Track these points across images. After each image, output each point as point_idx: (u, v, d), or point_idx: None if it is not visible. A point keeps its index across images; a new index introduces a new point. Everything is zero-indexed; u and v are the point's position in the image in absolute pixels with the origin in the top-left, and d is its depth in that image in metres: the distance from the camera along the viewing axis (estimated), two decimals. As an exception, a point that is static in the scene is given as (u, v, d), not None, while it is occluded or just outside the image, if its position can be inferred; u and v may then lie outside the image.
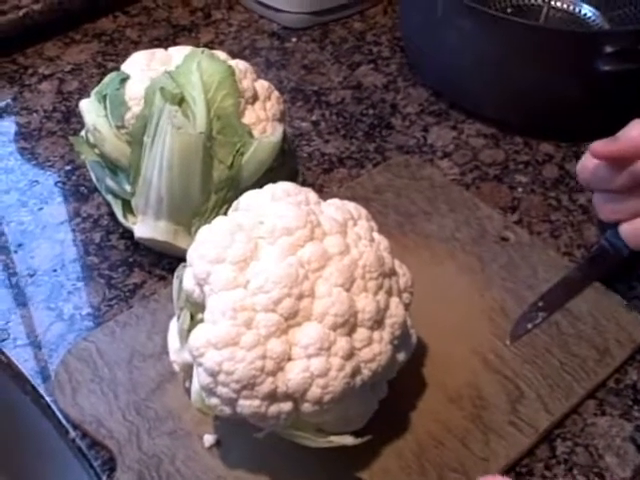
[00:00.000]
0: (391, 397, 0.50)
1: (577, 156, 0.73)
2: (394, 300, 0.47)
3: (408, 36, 0.86)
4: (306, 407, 0.44)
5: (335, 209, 0.49)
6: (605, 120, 0.74)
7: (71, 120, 0.78)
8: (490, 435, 0.51)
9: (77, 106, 0.64)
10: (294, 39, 0.90)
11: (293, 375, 0.43)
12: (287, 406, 0.44)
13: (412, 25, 0.83)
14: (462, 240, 0.64)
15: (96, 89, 0.62)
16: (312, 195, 0.50)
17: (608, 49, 0.66)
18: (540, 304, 0.59)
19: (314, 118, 0.79)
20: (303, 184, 0.55)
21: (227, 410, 0.45)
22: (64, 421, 0.53)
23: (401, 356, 0.49)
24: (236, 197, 0.51)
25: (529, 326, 0.58)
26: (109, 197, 0.64)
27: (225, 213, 0.50)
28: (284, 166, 0.62)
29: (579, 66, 0.68)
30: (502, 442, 0.51)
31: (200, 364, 0.44)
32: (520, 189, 0.70)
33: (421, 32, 0.81)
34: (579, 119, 0.74)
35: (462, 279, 0.61)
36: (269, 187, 0.49)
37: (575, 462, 0.51)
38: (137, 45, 0.89)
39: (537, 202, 0.69)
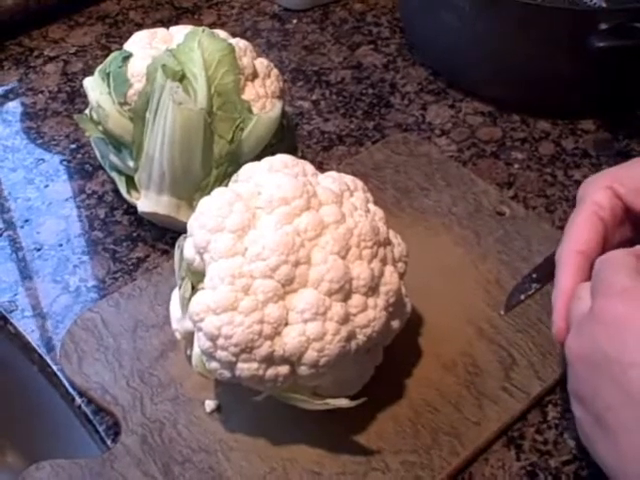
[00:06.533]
0: (387, 364, 0.52)
1: (573, 133, 0.75)
2: (389, 268, 0.49)
3: (407, 17, 0.87)
4: (303, 370, 0.45)
5: (332, 181, 0.50)
6: (600, 97, 0.76)
7: (76, 100, 0.80)
8: (483, 400, 0.53)
9: (82, 87, 0.65)
10: (295, 20, 0.91)
11: (290, 339, 0.45)
12: (284, 369, 0.45)
13: (411, 6, 0.84)
14: (458, 214, 0.66)
15: (100, 67, 0.64)
16: (309, 167, 0.51)
17: (603, 26, 0.67)
18: (534, 275, 0.60)
19: (314, 97, 0.80)
20: (303, 161, 0.56)
21: (226, 373, 0.46)
22: (70, 389, 0.55)
23: (396, 323, 0.50)
24: (236, 172, 0.52)
25: (522, 297, 0.59)
26: (113, 174, 0.65)
27: (226, 187, 0.51)
28: (283, 142, 0.63)
29: (574, 43, 0.68)
30: (495, 407, 0.52)
31: (200, 329, 0.46)
32: (516, 165, 0.72)
33: (420, 12, 0.82)
34: (575, 96, 0.75)
35: (458, 251, 0.62)
36: (267, 159, 0.51)
37: (566, 427, 0.53)
38: (140, 27, 0.89)
39: (533, 178, 0.70)
